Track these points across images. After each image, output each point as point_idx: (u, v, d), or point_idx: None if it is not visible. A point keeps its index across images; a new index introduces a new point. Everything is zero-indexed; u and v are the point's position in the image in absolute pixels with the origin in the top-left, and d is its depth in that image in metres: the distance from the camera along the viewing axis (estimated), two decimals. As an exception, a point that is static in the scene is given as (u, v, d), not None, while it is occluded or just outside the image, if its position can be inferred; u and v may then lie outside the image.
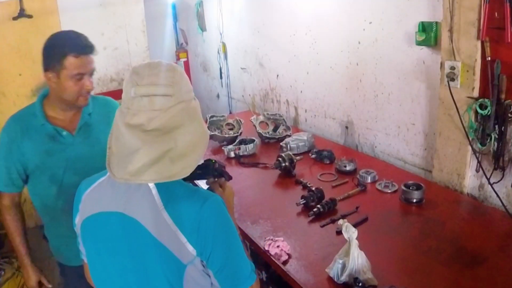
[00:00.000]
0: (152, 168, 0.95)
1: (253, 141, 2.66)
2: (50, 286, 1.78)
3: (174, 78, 1.00)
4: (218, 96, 4.62)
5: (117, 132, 1.00)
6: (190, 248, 0.97)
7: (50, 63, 1.50)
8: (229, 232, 1.03)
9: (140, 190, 1.01)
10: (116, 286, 1.09)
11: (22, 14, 3.15)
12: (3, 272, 2.36)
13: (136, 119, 0.97)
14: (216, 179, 1.25)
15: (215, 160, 1.25)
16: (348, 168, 2.25)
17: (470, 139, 1.88)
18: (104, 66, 3.60)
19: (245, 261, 1.05)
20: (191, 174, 1.02)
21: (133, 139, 0.96)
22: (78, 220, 1.12)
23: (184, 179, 1.04)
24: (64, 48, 1.48)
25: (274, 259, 1.56)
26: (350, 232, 1.36)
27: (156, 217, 0.98)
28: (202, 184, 1.30)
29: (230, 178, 1.29)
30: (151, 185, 1.00)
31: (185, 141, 0.98)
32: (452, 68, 1.88)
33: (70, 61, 1.47)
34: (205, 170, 1.23)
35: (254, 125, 2.85)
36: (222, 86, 4.42)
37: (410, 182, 1.96)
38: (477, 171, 1.92)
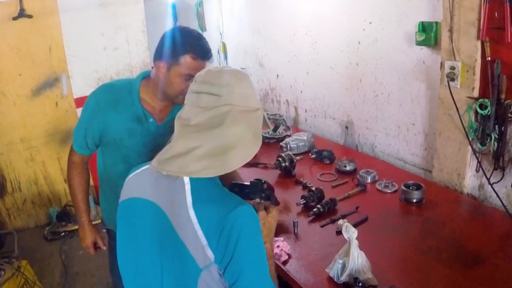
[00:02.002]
0: (176, 161, 0.96)
1: (253, 141, 2.66)
2: (104, 247, 1.78)
3: (229, 81, 0.99)
4: (218, 96, 4.62)
5: None
6: (209, 252, 0.93)
7: (166, 54, 1.50)
8: (254, 246, 0.96)
9: (175, 184, 1.00)
10: (131, 272, 1.10)
11: (22, 14, 3.15)
12: (3, 272, 2.35)
13: (184, 113, 1.02)
14: (262, 201, 1.18)
15: (264, 181, 1.19)
16: (348, 168, 2.25)
17: (470, 139, 1.88)
18: (104, 66, 3.59)
19: (265, 283, 0.97)
20: (235, 189, 1.02)
21: (176, 131, 1.01)
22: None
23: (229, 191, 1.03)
24: (186, 46, 1.47)
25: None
26: (350, 232, 1.36)
27: (183, 214, 0.96)
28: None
29: (277, 203, 1.22)
30: (186, 180, 0.99)
31: (215, 142, 0.96)
32: (452, 68, 1.88)
33: (187, 60, 1.47)
34: (251, 189, 1.17)
35: (254, 125, 2.85)
36: (222, 86, 4.42)
37: (410, 182, 1.96)
38: (477, 171, 1.92)
